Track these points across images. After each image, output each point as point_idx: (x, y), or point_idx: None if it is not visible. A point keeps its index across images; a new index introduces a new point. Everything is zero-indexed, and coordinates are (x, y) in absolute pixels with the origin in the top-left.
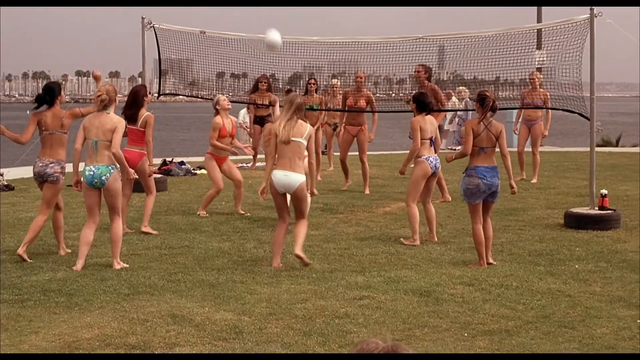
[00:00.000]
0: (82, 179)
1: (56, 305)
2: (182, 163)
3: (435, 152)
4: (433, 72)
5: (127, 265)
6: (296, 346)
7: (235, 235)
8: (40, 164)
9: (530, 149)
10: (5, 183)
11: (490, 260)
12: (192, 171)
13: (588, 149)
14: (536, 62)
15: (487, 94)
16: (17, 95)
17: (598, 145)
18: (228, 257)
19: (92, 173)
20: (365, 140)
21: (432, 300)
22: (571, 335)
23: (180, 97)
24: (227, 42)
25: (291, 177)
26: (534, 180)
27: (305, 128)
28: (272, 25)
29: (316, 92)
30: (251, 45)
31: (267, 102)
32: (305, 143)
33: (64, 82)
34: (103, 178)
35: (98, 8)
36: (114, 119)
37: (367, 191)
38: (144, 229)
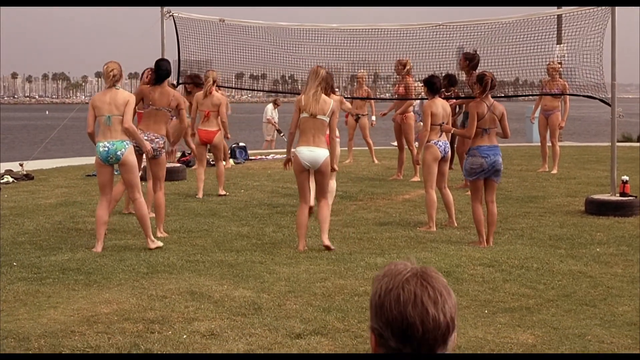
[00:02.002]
0: (97, 156)
1: (75, 283)
2: None
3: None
4: (477, 57)
5: (162, 244)
6: (315, 321)
7: (254, 220)
8: (145, 137)
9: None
10: (25, 173)
11: (491, 243)
12: (211, 162)
13: (608, 143)
14: (557, 57)
15: (486, 73)
16: (37, 97)
17: (619, 141)
18: (247, 240)
19: (106, 149)
20: (409, 128)
21: (452, 280)
22: (593, 313)
23: None
24: (246, 32)
25: (317, 152)
26: (554, 171)
27: (328, 105)
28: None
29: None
30: (271, 33)
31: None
32: (327, 121)
33: (83, 84)
34: (118, 153)
35: (118, 9)
36: (125, 94)
37: (416, 178)
38: (159, 234)
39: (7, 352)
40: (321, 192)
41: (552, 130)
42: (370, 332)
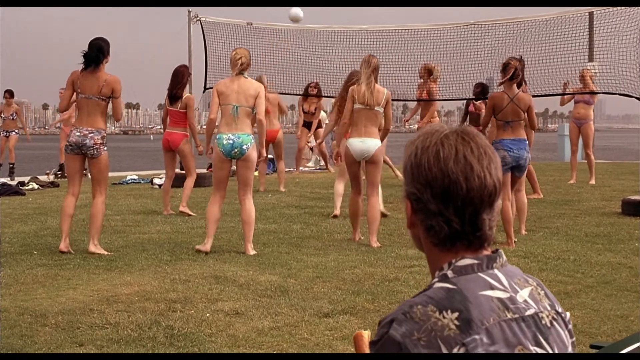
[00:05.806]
0: (218, 149)
1: (96, 268)
2: None
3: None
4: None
5: (256, 252)
6: (344, 302)
7: (281, 219)
8: (78, 134)
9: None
10: (50, 180)
11: (524, 232)
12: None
13: None
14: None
15: (511, 61)
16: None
17: None
18: (274, 235)
19: (231, 142)
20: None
21: None
22: (635, 297)
23: None
24: (274, 35)
25: (368, 143)
26: (592, 182)
27: (382, 95)
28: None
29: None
30: (299, 36)
31: (313, 109)
32: (382, 111)
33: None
34: (244, 147)
35: (144, 40)
36: (255, 84)
37: None
38: (182, 209)
39: (23, 327)
40: (372, 187)
41: (586, 141)
42: (405, 200)
